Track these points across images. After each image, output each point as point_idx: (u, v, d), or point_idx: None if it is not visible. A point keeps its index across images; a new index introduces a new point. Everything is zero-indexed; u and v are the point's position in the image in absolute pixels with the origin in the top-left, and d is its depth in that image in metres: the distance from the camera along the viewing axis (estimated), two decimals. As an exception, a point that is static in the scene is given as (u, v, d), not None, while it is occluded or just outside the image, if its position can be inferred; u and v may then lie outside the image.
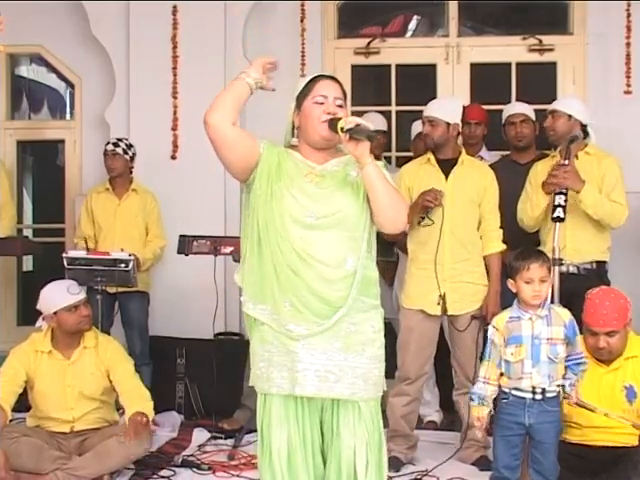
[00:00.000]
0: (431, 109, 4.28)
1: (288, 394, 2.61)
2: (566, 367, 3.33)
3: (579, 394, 3.35)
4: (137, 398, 4.02)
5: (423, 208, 4.10)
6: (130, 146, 5.16)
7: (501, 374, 3.33)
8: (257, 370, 2.68)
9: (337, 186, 2.64)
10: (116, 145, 5.10)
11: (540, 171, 4.36)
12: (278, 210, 2.60)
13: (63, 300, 4.01)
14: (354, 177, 2.67)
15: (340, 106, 2.67)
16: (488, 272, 4.21)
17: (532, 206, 4.24)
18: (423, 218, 4.13)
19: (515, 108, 4.96)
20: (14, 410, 4.05)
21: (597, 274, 4.23)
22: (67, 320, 4.01)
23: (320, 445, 2.67)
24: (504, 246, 4.23)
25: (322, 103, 2.65)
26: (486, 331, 3.48)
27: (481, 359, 3.47)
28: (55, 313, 4.02)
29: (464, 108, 5.09)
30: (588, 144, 4.34)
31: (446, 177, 4.19)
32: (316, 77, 2.73)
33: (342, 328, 2.59)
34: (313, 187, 2.63)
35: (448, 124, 4.21)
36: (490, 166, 4.48)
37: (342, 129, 2.54)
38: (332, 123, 2.60)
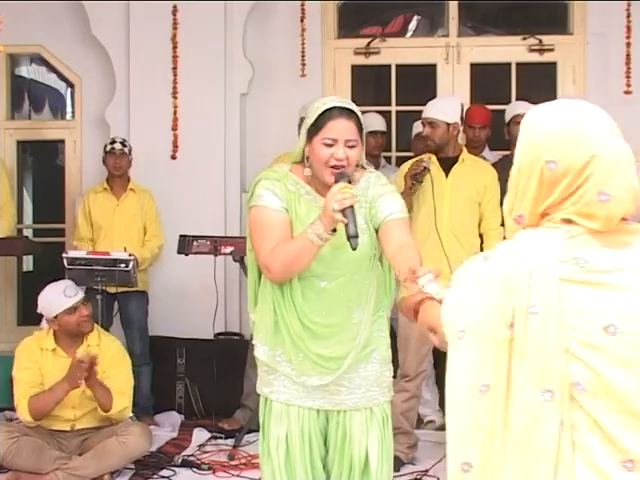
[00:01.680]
0: (430, 110, 4.27)
1: (289, 404, 2.60)
2: None
3: None
4: (116, 394, 4.04)
5: (412, 178, 4.11)
6: (130, 146, 5.20)
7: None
8: (262, 372, 2.67)
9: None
10: (123, 145, 5.13)
11: None
12: None
13: (61, 304, 4.02)
14: (364, 225, 2.55)
15: (352, 146, 2.47)
16: None
17: None
18: (414, 184, 4.12)
19: (522, 108, 4.89)
20: (14, 409, 4.06)
21: None
22: (68, 322, 4.02)
23: (322, 450, 2.65)
24: (504, 245, 4.23)
25: (331, 145, 2.46)
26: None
27: None
28: (56, 317, 4.02)
29: (468, 110, 5.10)
30: None
31: (446, 175, 4.20)
32: (329, 111, 2.47)
33: (353, 350, 2.58)
34: (330, 249, 2.50)
35: (448, 124, 4.20)
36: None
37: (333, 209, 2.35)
38: (336, 179, 2.43)
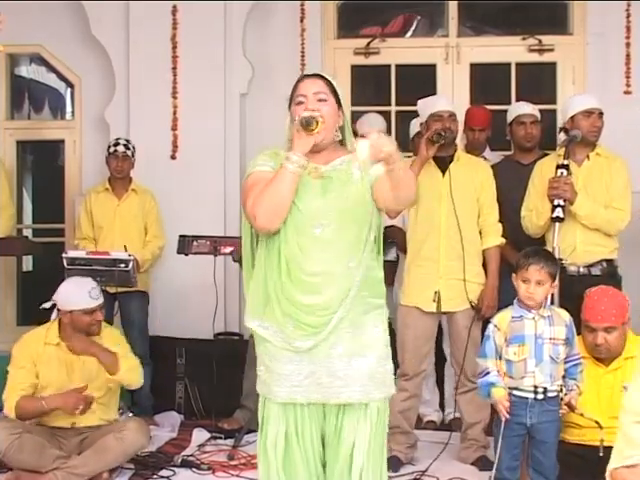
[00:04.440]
0: (446, 104, 4.30)
1: (286, 402, 2.62)
2: (564, 372, 3.33)
3: (576, 401, 3.36)
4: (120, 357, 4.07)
5: (428, 140, 4.10)
6: (134, 147, 5.18)
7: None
8: (259, 372, 2.71)
9: (343, 187, 2.62)
10: (127, 147, 5.11)
11: (546, 168, 4.26)
12: (283, 224, 2.58)
13: (82, 302, 4.02)
14: (358, 176, 2.64)
15: (323, 100, 2.64)
16: (486, 267, 4.21)
17: (537, 215, 4.16)
18: (438, 140, 4.10)
19: (526, 109, 4.87)
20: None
21: (608, 273, 4.15)
22: (81, 321, 4.02)
23: (320, 448, 2.66)
24: (503, 240, 4.24)
25: (302, 103, 2.64)
26: (484, 327, 3.48)
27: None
28: (71, 312, 4.03)
29: (467, 112, 5.11)
30: (598, 145, 4.26)
31: (443, 174, 4.20)
32: (300, 78, 2.72)
33: (343, 332, 2.58)
34: (319, 192, 2.60)
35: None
36: (492, 167, 4.46)
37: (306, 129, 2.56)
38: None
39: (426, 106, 4.30)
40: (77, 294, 4.05)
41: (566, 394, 3.32)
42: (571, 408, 3.35)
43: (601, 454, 3.41)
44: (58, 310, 4.09)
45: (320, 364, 2.58)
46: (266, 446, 2.62)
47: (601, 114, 4.23)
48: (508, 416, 3.26)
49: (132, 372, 4.11)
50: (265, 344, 2.65)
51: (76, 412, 3.88)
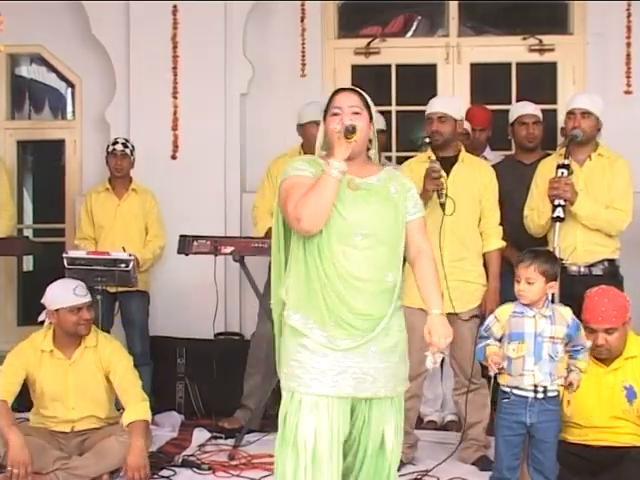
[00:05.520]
0: (438, 105, 4.23)
1: (319, 395, 2.69)
2: (569, 355, 3.35)
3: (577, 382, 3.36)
4: (132, 398, 4.02)
5: (432, 182, 4.04)
6: (133, 146, 5.18)
7: (501, 370, 3.33)
8: (288, 367, 2.76)
9: (382, 203, 2.76)
10: (125, 146, 5.11)
11: (548, 168, 4.23)
12: (325, 230, 2.69)
13: (67, 300, 4.01)
14: (394, 194, 2.79)
15: (357, 113, 2.77)
16: (487, 269, 4.21)
17: (538, 214, 4.16)
18: (438, 184, 4.06)
19: (528, 109, 4.85)
20: (17, 409, 4.07)
21: (609, 273, 4.15)
22: (67, 320, 4.01)
23: (345, 436, 2.75)
24: (504, 243, 4.23)
25: (337, 114, 2.77)
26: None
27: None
28: (57, 310, 4.02)
29: (468, 112, 5.08)
30: (600, 145, 4.24)
31: (447, 175, 4.18)
32: (336, 91, 2.85)
33: (379, 334, 2.72)
34: (362, 203, 2.73)
35: (455, 120, 4.20)
36: (494, 166, 4.45)
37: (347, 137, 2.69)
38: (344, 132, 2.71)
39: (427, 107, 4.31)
40: (62, 292, 4.05)
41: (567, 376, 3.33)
42: (571, 387, 3.34)
43: None
44: (46, 314, 4.08)
45: (355, 361, 2.70)
46: (297, 440, 2.67)
47: (585, 113, 4.16)
48: (497, 370, 3.29)
49: (148, 414, 4.03)
50: (301, 339, 2.72)
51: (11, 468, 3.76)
